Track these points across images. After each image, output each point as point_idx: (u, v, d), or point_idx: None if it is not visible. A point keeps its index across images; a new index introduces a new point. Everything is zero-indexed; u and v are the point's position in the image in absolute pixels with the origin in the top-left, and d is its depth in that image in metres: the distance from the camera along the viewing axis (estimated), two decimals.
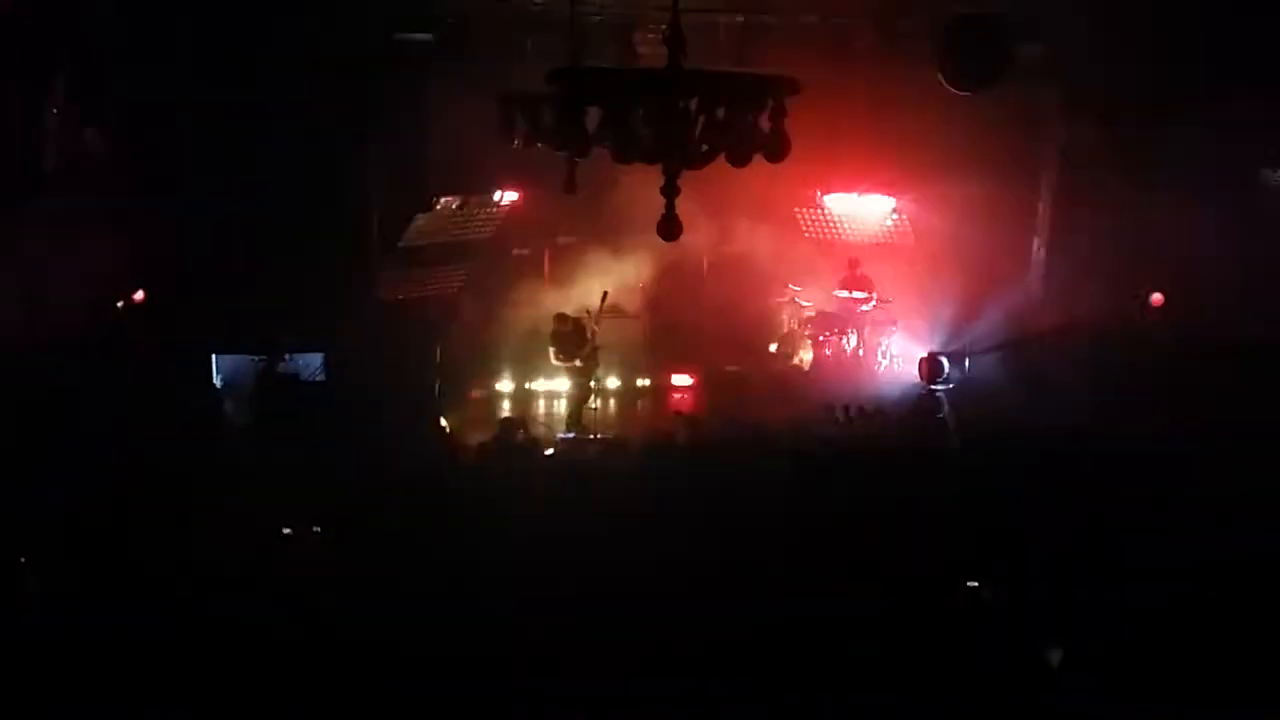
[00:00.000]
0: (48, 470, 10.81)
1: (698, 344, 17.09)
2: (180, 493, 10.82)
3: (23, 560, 8.42)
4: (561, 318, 15.45)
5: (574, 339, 15.38)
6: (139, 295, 13.16)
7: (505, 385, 16.97)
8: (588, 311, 15.58)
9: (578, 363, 15.44)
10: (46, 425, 10.99)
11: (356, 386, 14.12)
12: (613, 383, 16.84)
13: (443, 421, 15.14)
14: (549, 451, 13.08)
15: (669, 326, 17.28)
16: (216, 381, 14.61)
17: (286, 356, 14.64)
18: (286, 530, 9.60)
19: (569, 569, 8.88)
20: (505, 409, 16.14)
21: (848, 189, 17.35)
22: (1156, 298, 15.76)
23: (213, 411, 13.84)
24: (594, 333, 15.42)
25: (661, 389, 17.15)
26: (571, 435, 15.17)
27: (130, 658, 7.30)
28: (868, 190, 17.23)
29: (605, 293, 15.53)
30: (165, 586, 8.48)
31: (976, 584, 7.99)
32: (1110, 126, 14.64)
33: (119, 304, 12.51)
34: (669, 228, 7.46)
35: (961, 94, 14.56)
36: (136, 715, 6.80)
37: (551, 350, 15.51)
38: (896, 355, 16.96)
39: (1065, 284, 15.88)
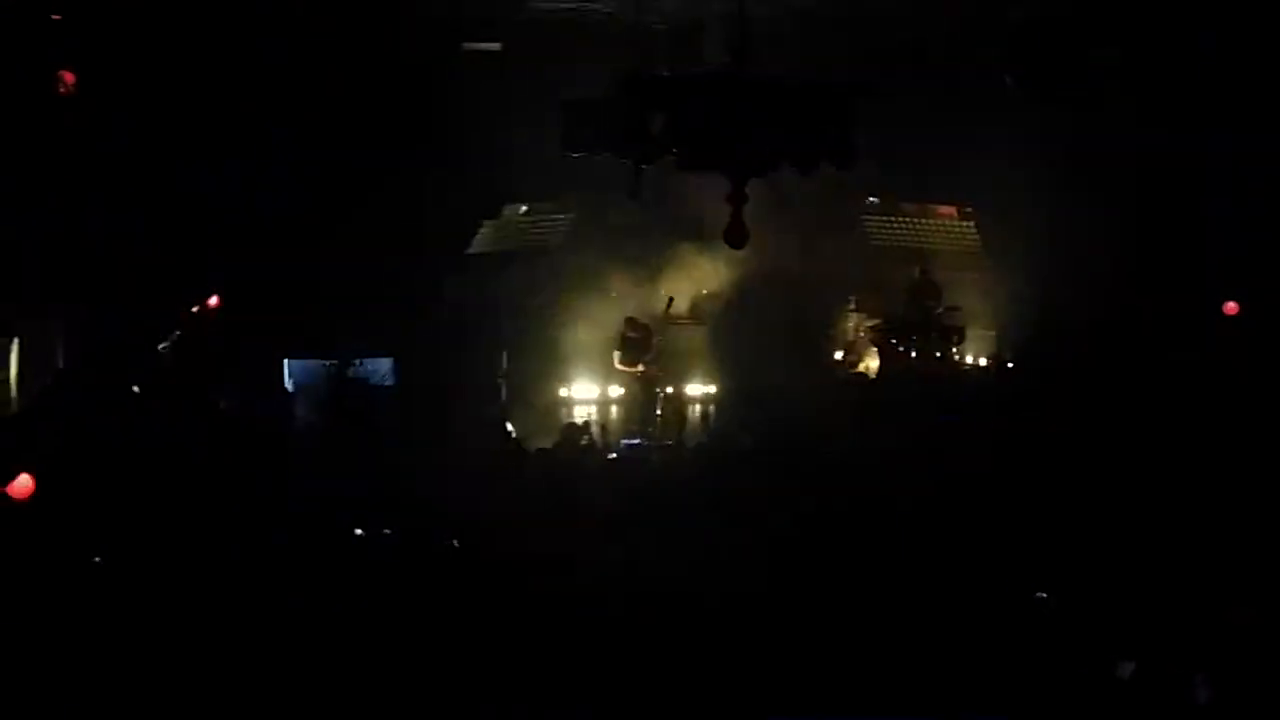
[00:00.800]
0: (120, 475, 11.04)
1: (759, 352, 17.02)
2: (252, 495, 11.02)
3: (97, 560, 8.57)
4: (632, 322, 15.50)
5: (641, 344, 15.42)
6: (213, 301, 13.38)
7: (570, 391, 17.03)
8: (653, 318, 15.61)
9: (641, 368, 15.48)
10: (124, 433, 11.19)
11: (424, 391, 14.25)
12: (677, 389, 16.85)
13: (508, 426, 15.24)
14: (612, 456, 13.10)
15: (732, 334, 17.23)
16: (288, 385, 14.79)
17: (356, 361, 14.81)
18: (359, 531, 9.72)
19: (630, 572, 8.93)
20: (570, 415, 16.20)
21: (915, 197, 17.21)
22: (1230, 306, 15.50)
23: (284, 415, 14.02)
24: (659, 339, 15.44)
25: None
26: (636, 442, 15.20)
27: (198, 658, 7.44)
28: (935, 198, 17.09)
29: (670, 299, 15.55)
30: (237, 588, 8.62)
31: (1044, 594, 7.74)
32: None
33: (194, 309, 12.72)
34: (736, 235, 7.50)
35: (1032, 100, 14.36)
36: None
37: (617, 355, 15.56)
38: (966, 363, 16.80)
39: (1136, 297, 15.60)
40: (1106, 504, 10.13)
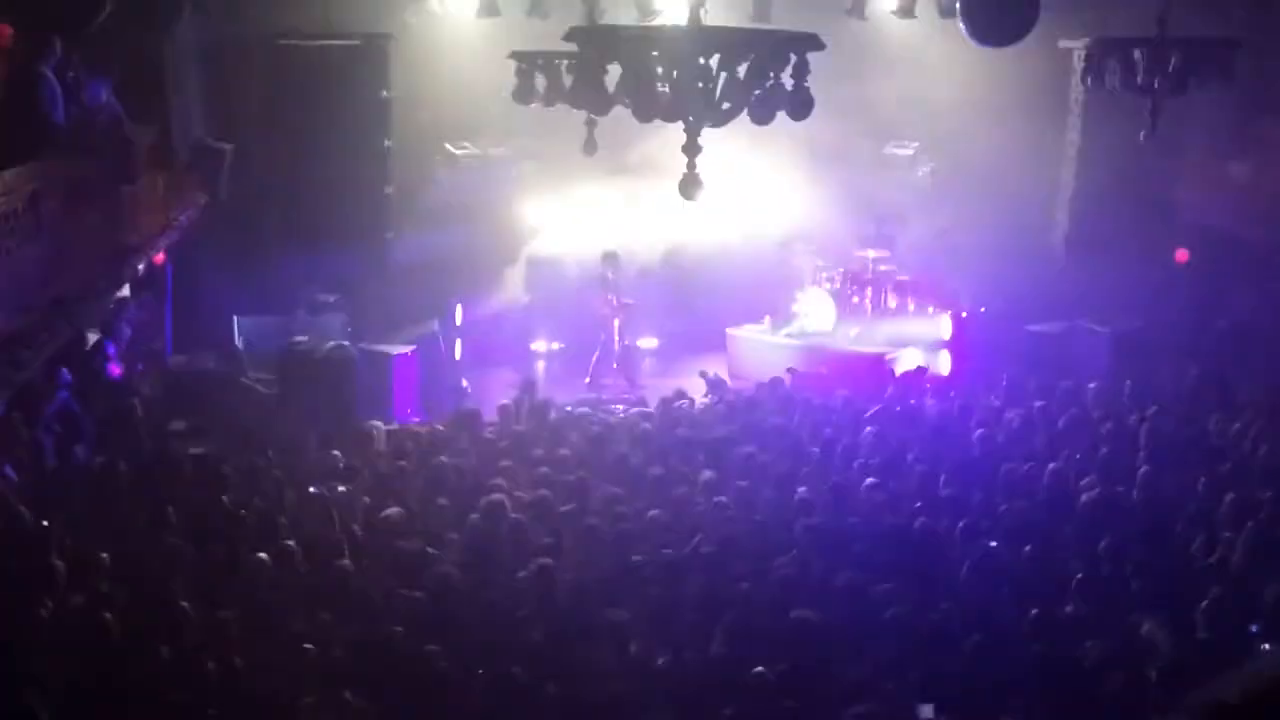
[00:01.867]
0: (74, 429, 10.89)
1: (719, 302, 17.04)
2: (208, 449, 10.93)
3: (45, 524, 8.45)
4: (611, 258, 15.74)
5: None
6: (159, 257, 13.14)
7: (528, 345, 16.99)
8: (610, 273, 15.70)
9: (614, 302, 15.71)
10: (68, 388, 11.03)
11: (378, 347, 14.13)
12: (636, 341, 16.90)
13: (463, 382, 15.17)
14: (568, 409, 13.05)
15: (690, 284, 17.24)
16: (238, 343, 14.62)
17: (309, 317, 14.65)
18: (312, 490, 9.64)
19: (588, 527, 8.93)
20: (526, 369, 16.17)
21: (872, 145, 17.19)
22: (1181, 253, 15.69)
23: (234, 372, 13.87)
24: (617, 291, 15.46)
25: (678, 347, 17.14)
26: (592, 396, 15.21)
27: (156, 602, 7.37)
28: (892, 147, 17.08)
29: (614, 254, 15.74)
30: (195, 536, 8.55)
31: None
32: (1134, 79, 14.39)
33: (138, 266, 12.48)
34: (690, 186, 7.41)
35: (985, 49, 14.34)
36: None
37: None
38: (917, 314, 16.88)
39: (1089, 244, 15.75)
40: None
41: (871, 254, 16.98)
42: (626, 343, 16.35)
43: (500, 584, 7.99)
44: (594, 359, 16.15)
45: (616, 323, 16.13)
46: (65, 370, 11.01)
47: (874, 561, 8.16)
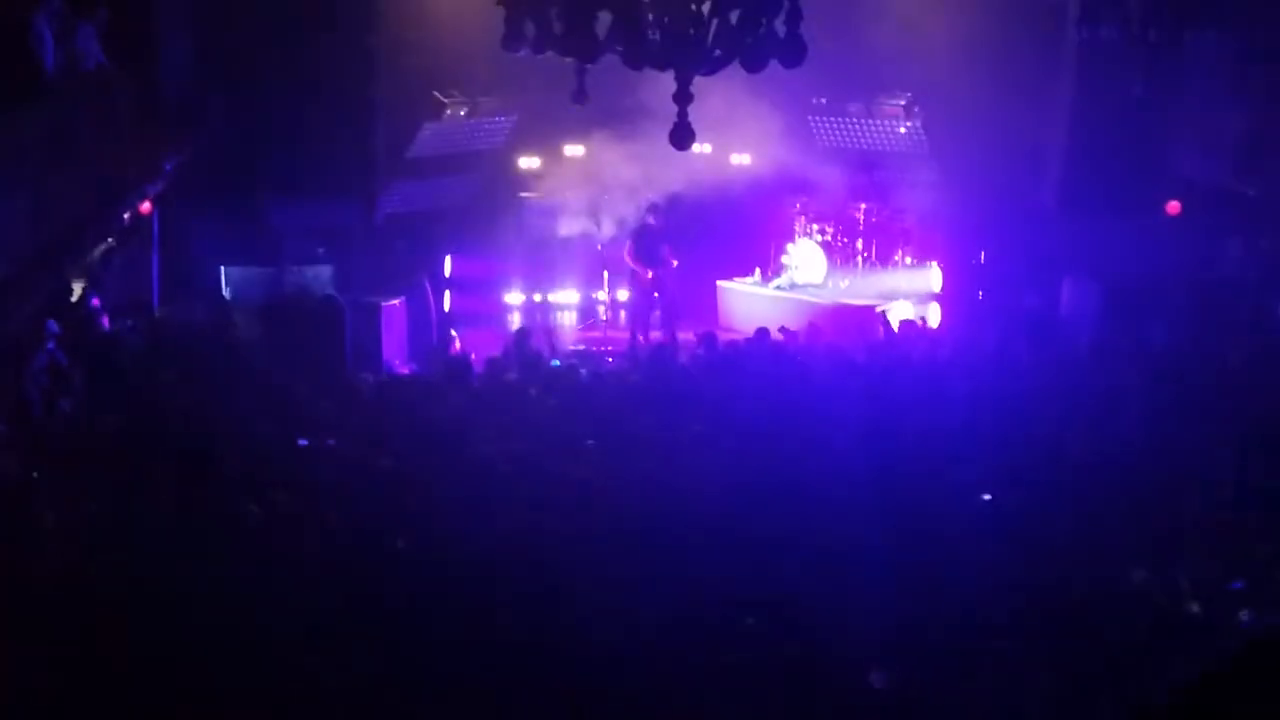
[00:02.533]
0: (61, 381, 10.83)
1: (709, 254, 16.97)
2: (195, 405, 10.87)
3: (35, 476, 8.42)
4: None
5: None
6: (145, 207, 13.04)
7: (516, 297, 16.93)
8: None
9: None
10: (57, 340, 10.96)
11: (366, 299, 14.07)
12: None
13: (453, 333, 15.13)
14: (555, 363, 13.02)
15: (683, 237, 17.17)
16: (225, 294, 14.54)
17: (296, 268, 14.58)
18: (303, 442, 9.61)
19: (579, 479, 8.91)
20: (516, 321, 16.12)
21: (862, 95, 17.06)
22: (1173, 205, 15.62)
23: (222, 323, 13.80)
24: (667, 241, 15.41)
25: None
26: (581, 348, 15.18)
27: (142, 565, 7.34)
28: (882, 96, 16.94)
29: (658, 205, 15.62)
30: (182, 490, 8.51)
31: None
32: (1129, 28, 14.30)
33: (125, 215, 12.39)
34: (681, 136, 7.32)
35: None
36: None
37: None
38: (908, 266, 16.84)
39: (1082, 197, 15.67)
40: None
41: (863, 206, 16.91)
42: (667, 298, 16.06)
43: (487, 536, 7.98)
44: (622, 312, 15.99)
45: (650, 275, 15.89)
46: (52, 322, 10.94)
47: (862, 512, 8.16)
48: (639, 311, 15.82)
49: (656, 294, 15.77)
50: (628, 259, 15.85)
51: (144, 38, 12.93)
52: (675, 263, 15.76)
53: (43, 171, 8.68)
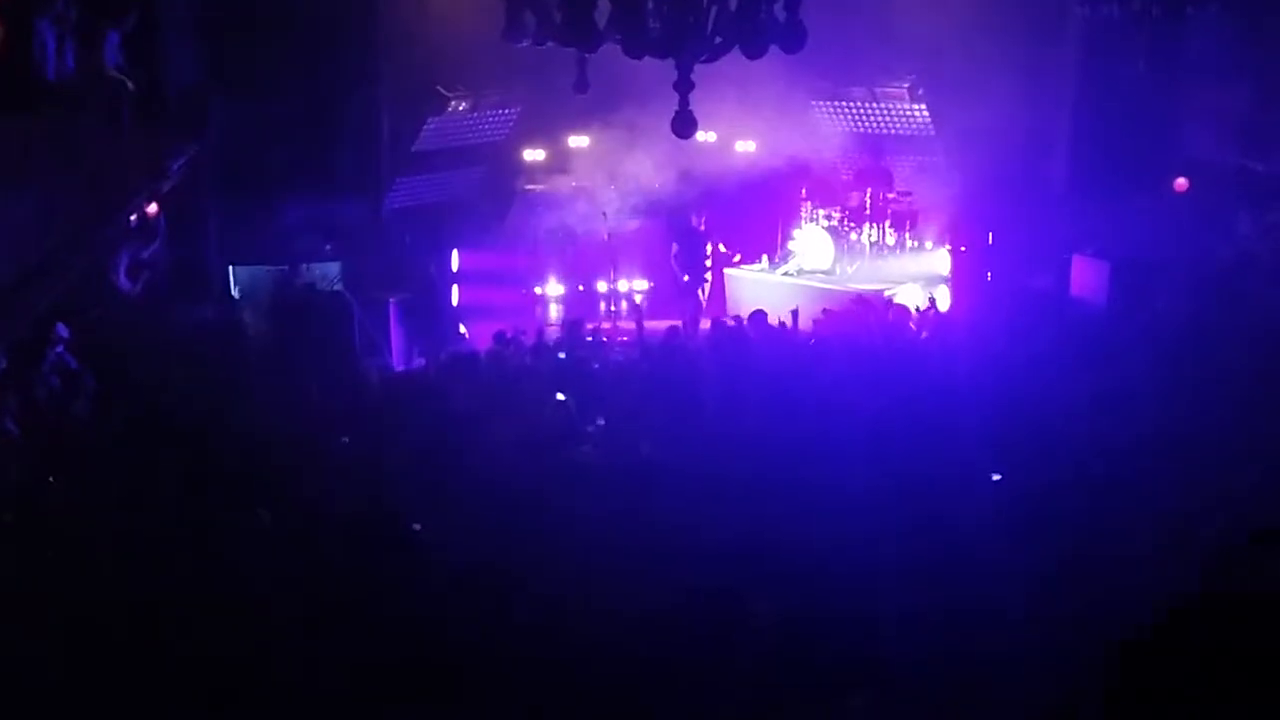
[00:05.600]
0: (72, 383, 10.87)
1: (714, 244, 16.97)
2: (203, 406, 10.89)
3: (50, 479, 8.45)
4: None
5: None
6: (152, 208, 13.05)
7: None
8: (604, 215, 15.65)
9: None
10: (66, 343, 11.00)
11: (373, 294, 14.09)
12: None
13: (461, 327, 15.14)
14: (562, 355, 13.01)
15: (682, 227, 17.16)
16: (234, 293, 14.57)
17: (304, 266, 14.58)
18: (313, 439, 9.62)
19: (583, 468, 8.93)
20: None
21: (865, 79, 17.01)
22: (1181, 182, 15.56)
23: (231, 321, 13.83)
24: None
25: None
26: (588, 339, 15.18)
27: (149, 561, 7.36)
28: (887, 79, 16.90)
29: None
30: (191, 494, 8.53)
31: None
32: (1131, 6, 14.22)
33: (132, 217, 12.40)
34: (683, 124, 7.32)
35: None
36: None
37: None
38: (915, 249, 16.80)
39: (1089, 175, 15.63)
40: None
41: (869, 190, 16.86)
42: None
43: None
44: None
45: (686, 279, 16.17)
46: (61, 325, 10.97)
47: (868, 494, 8.15)
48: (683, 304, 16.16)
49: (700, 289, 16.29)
50: (673, 264, 16.19)
51: (149, 37, 12.93)
52: (737, 257, 16.49)
53: (49, 174, 8.69)
